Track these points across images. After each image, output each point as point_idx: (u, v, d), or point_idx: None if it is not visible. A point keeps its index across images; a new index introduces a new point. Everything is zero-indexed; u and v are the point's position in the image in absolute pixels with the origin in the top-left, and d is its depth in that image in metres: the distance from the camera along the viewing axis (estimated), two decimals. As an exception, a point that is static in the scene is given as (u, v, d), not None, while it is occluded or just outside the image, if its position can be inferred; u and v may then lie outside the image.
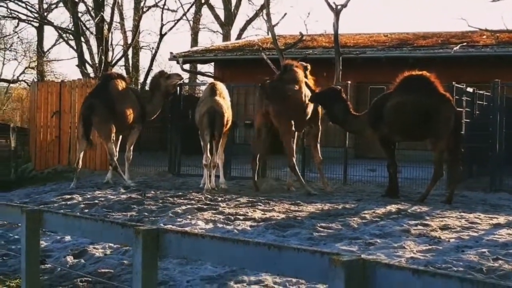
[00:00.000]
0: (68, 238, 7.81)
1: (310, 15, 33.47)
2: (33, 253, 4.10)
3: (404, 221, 8.42)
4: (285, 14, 20.83)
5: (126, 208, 9.80)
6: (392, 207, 9.54)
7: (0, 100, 36.81)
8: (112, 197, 10.84)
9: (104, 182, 13.00)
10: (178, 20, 28.19)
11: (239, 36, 34.91)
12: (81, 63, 25.66)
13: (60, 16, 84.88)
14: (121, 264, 6.69)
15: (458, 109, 11.40)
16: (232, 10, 35.18)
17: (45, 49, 34.98)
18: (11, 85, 35.88)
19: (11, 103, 37.48)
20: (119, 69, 30.47)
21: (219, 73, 23.61)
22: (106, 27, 25.47)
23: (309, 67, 12.55)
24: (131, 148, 13.52)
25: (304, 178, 12.54)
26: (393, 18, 67.15)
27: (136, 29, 28.02)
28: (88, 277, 6.31)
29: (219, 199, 10.52)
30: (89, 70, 25.59)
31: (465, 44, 20.18)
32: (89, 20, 27.60)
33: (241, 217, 8.73)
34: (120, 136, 13.52)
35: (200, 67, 31.47)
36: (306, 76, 12.28)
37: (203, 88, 18.92)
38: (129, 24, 30.23)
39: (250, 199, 10.40)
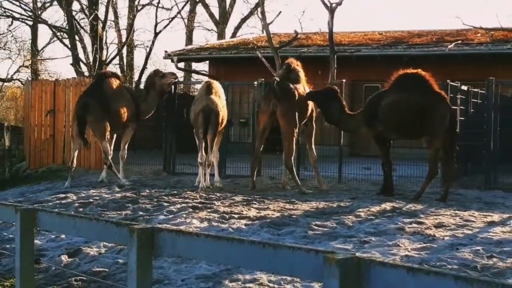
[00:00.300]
0: (62, 237, 7.80)
1: (305, 13, 33.51)
2: (28, 252, 4.08)
3: (399, 219, 8.43)
4: (280, 12, 20.76)
5: (120, 207, 9.78)
6: (387, 205, 9.54)
7: (-6, 99, 36.77)
8: (106, 196, 10.82)
9: (99, 181, 12.97)
10: (173, 18, 28.27)
11: (233, 35, 34.90)
12: (75, 62, 25.63)
13: (54, 14, 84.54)
14: (116, 263, 6.68)
15: (453, 107, 11.42)
16: (227, 8, 35.17)
17: (39, 48, 34.96)
18: (5, 83, 35.80)
19: (5, 101, 37.43)
20: (114, 67, 30.47)
21: (214, 72, 23.58)
22: (100, 25, 25.44)
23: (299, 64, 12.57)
24: (126, 146, 13.49)
25: (299, 176, 12.54)
26: (388, 16, 67.31)
27: (130, 28, 28.00)
28: (82, 276, 6.30)
29: (214, 197, 10.51)
30: (84, 68, 25.56)
31: (459, 42, 20.21)
32: (83, 18, 27.61)
33: (236, 216, 8.72)
34: (115, 135, 13.50)
35: (195, 66, 31.46)
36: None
37: (198, 86, 18.92)
38: (123, 22, 30.19)
39: (245, 198, 10.39)
